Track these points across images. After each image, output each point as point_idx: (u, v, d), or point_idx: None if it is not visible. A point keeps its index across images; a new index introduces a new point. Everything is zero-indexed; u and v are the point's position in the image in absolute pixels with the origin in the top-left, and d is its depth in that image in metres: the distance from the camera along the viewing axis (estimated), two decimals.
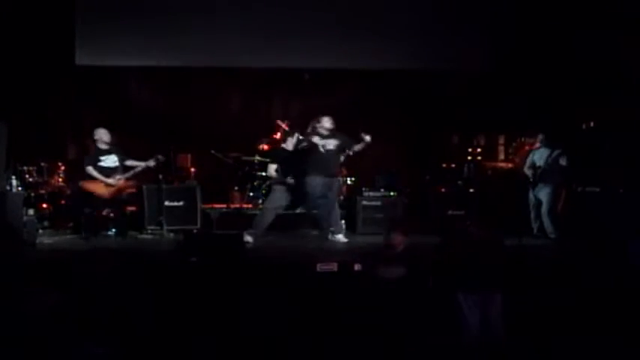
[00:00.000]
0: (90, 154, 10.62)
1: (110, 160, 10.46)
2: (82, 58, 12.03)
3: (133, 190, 10.90)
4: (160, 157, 10.51)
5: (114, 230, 10.51)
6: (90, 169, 10.37)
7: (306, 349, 6.18)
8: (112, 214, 10.69)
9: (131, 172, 10.50)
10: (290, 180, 10.15)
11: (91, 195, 10.37)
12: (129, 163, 10.57)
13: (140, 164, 10.51)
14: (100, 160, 10.43)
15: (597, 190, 10.81)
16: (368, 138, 10.10)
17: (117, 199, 10.48)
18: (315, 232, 10.74)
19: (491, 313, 6.06)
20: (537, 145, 10.78)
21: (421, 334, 6.32)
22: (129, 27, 12.13)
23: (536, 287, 7.12)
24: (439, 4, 12.65)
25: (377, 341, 6.25)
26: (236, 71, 12.78)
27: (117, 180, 10.35)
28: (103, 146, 10.49)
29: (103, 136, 10.50)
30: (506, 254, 6.36)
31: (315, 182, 10.05)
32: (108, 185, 10.32)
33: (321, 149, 10.17)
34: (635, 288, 7.09)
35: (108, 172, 10.39)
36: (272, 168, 10.38)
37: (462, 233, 6.53)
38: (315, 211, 10.31)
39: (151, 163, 10.46)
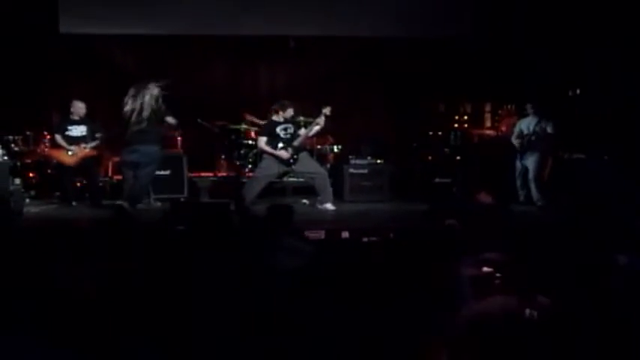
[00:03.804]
0: (59, 123, 10.76)
1: (78, 130, 10.58)
2: (66, 27, 11.92)
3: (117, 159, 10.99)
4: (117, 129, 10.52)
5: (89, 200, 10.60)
6: (58, 138, 10.56)
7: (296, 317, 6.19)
8: (84, 183, 10.88)
9: (96, 142, 10.57)
10: (280, 152, 10.15)
11: (59, 163, 10.53)
12: (99, 135, 10.68)
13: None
14: (67, 130, 10.57)
15: (583, 157, 10.88)
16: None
17: (85, 168, 10.56)
18: (304, 201, 10.77)
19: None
20: (527, 112, 10.80)
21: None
22: None
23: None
24: None
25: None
26: (221, 39, 12.71)
27: (80, 148, 10.44)
28: (75, 117, 10.62)
29: (79, 109, 10.64)
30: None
31: None
32: (71, 153, 10.42)
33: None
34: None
35: (74, 141, 10.50)
36: (262, 141, 10.31)
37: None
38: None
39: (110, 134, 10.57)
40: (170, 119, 9.98)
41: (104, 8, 11.90)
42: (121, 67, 12.69)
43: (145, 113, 9.66)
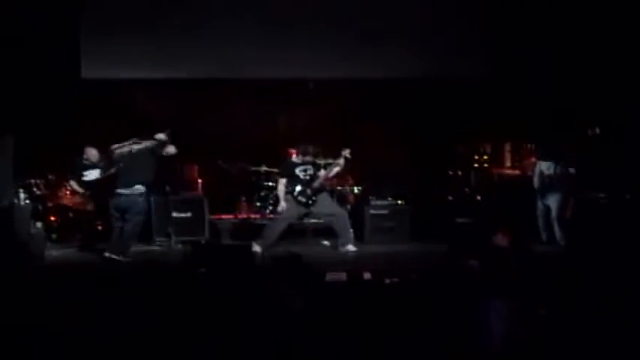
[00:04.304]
0: (73, 169, 11.02)
1: (92, 175, 10.86)
2: (88, 72, 12.07)
3: None
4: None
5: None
6: (72, 183, 10.87)
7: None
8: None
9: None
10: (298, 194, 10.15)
11: (77, 210, 10.89)
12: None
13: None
14: (83, 175, 10.88)
15: (604, 196, 10.78)
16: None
17: (103, 212, 10.65)
18: (325, 242, 10.74)
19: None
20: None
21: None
22: (133, 39, 12.16)
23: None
24: (440, 12, 12.64)
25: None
26: (241, 82, 12.78)
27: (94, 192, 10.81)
28: (88, 162, 10.90)
29: (92, 156, 10.93)
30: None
31: None
32: (85, 196, 10.85)
33: None
34: None
35: (88, 185, 10.84)
36: (282, 183, 10.31)
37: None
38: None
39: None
40: (164, 140, 10.02)
41: (125, 53, 12.06)
42: (142, 111, 12.77)
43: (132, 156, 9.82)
